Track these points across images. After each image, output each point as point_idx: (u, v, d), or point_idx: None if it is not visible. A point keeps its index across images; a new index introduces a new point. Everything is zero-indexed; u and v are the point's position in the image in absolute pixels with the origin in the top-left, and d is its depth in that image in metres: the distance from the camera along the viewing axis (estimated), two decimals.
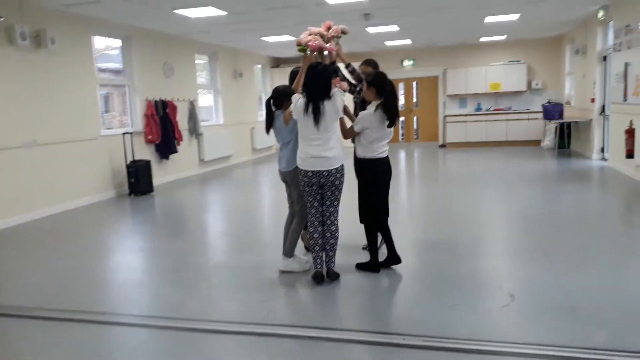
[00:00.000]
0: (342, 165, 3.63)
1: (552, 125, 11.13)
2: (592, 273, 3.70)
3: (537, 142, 12.53)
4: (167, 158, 9.28)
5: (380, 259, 3.91)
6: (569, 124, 11.07)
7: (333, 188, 3.62)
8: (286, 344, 2.83)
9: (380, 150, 3.77)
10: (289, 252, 3.93)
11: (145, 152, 8.71)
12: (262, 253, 4.55)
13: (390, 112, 3.64)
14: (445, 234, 4.95)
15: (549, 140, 11.44)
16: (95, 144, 7.59)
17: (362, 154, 3.79)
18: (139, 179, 7.98)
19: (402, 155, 12.19)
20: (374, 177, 3.80)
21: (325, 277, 3.68)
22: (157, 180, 8.63)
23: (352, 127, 3.78)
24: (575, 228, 4.97)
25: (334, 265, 3.68)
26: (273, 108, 3.92)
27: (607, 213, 5.63)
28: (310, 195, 3.64)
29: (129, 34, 8.42)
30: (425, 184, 8.65)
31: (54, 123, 6.82)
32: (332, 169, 3.55)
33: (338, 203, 3.69)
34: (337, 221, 3.69)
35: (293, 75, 4.67)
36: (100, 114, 8.14)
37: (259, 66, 13.73)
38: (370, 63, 4.62)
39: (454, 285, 3.55)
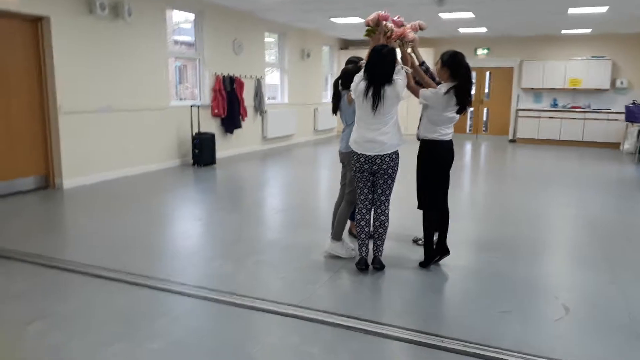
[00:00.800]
0: (396, 153, 3.51)
1: (635, 129, 10.34)
2: None
3: (616, 145, 11.71)
4: (232, 132, 9.51)
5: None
6: None
7: (385, 176, 3.51)
8: (321, 331, 2.83)
9: (443, 132, 3.61)
10: (336, 235, 3.93)
11: (211, 125, 8.96)
12: (313, 234, 4.57)
13: (461, 97, 3.48)
14: (505, 234, 4.76)
15: (629, 144, 10.65)
16: (164, 113, 7.89)
17: (423, 133, 3.66)
18: (202, 151, 8.24)
19: (468, 147, 11.80)
20: (433, 159, 3.65)
21: (370, 265, 3.63)
22: (220, 153, 8.87)
23: (419, 91, 3.60)
24: None
25: (380, 254, 3.62)
26: (340, 88, 3.89)
27: None
28: (360, 181, 3.57)
29: (202, 8, 8.60)
30: (490, 179, 8.33)
31: (127, 91, 7.13)
32: (384, 155, 3.45)
33: (390, 192, 3.58)
34: (388, 211, 3.59)
35: (348, 62, 4.61)
36: (171, 86, 8.43)
37: (327, 47, 13.66)
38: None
39: (506, 290, 3.41)
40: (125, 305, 3.09)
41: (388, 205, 3.60)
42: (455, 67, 3.49)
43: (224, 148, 9.31)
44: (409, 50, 3.70)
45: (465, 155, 10.56)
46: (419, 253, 3.96)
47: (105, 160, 6.87)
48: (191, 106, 8.37)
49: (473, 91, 13.72)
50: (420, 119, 3.73)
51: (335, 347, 2.66)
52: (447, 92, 3.47)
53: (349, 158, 3.78)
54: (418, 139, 3.75)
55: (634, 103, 10.95)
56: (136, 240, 4.39)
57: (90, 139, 6.64)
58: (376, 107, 3.38)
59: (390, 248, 3.95)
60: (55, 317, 2.91)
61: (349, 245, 3.97)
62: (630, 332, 2.84)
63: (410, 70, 3.62)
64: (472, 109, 14.02)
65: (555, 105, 12.63)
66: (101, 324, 2.85)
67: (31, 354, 2.55)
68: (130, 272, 3.59)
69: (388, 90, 3.38)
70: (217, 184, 7.32)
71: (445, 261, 3.86)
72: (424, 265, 3.75)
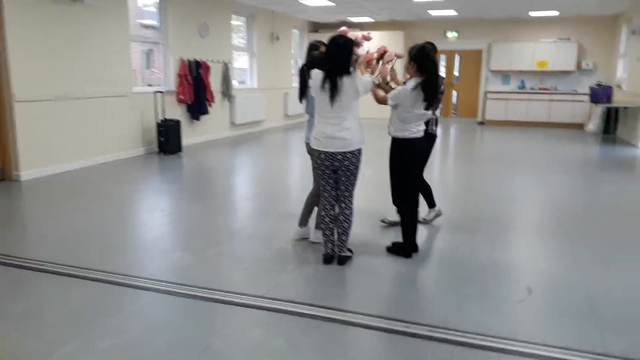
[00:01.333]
0: (358, 150, 3.39)
1: (599, 109, 10.54)
2: (620, 273, 3.47)
3: (581, 126, 11.95)
4: (198, 119, 9.30)
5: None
6: (617, 109, 10.45)
7: (348, 173, 3.40)
8: (287, 321, 2.78)
9: (414, 129, 3.55)
10: (302, 221, 3.95)
11: (176, 112, 8.73)
12: (280, 223, 4.49)
13: (428, 93, 3.41)
14: (471, 216, 4.77)
15: (593, 125, 10.87)
16: (127, 100, 7.64)
17: (394, 132, 3.60)
18: (168, 138, 8.04)
19: (438, 131, 11.85)
20: (405, 158, 3.60)
21: (335, 260, 3.54)
22: (186, 141, 8.68)
23: (386, 97, 3.54)
24: (610, 222, 4.69)
25: (345, 251, 3.52)
26: (307, 76, 3.73)
27: None
28: (322, 178, 3.46)
29: None
30: (458, 162, 8.38)
31: (87, 78, 6.86)
32: (346, 152, 3.32)
33: (353, 188, 3.49)
34: (352, 205, 3.51)
35: (311, 47, 4.55)
36: (137, 71, 8.16)
37: (297, 30, 13.46)
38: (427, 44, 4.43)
39: (471, 273, 3.41)
40: (81, 302, 2.98)
41: (352, 200, 3.50)
42: (421, 61, 3.42)
43: (191, 135, 9.11)
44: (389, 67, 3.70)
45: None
46: (386, 239, 3.94)
47: (65, 150, 6.62)
48: (155, 92, 8.14)
49: (442, 75, 13.79)
50: (390, 117, 3.66)
51: (299, 336, 2.61)
52: (414, 88, 3.41)
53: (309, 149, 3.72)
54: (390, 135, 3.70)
55: (598, 84, 11.14)
56: (95, 233, 4.24)
57: (49, 128, 6.37)
58: (334, 99, 3.26)
59: (357, 235, 3.92)
60: (8, 318, 2.78)
61: (316, 234, 3.91)
62: (588, 313, 2.87)
63: (377, 80, 3.57)
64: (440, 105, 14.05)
65: (523, 87, 12.77)
66: (55, 322, 2.74)
67: None
68: (87, 267, 3.46)
69: (346, 82, 3.27)
70: (183, 172, 7.16)
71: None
72: (392, 250, 3.74)
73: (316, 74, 3.37)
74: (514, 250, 4.02)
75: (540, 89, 12.54)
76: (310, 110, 3.81)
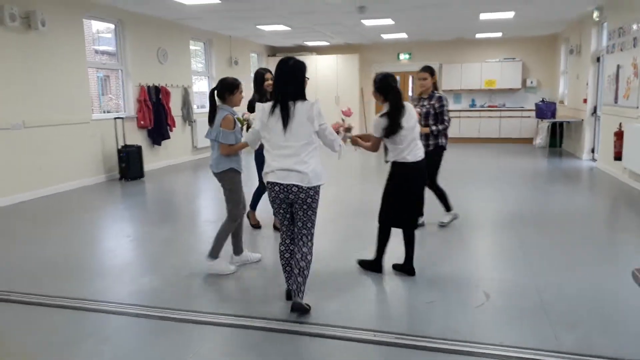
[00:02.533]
0: (318, 186, 3.05)
1: (545, 124, 11.16)
2: (569, 275, 3.74)
3: (529, 140, 12.57)
4: (160, 144, 9.28)
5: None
6: (561, 124, 11.10)
7: (305, 207, 3.03)
8: (255, 336, 2.86)
9: (407, 153, 3.59)
10: (213, 253, 3.79)
11: (137, 137, 8.70)
12: (245, 243, 4.57)
13: (391, 120, 3.51)
14: (430, 229, 4.99)
15: (541, 139, 11.47)
16: (86, 127, 7.57)
17: (392, 157, 3.67)
18: (129, 164, 7.99)
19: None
20: (402, 181, 3.65)
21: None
22: (148, 166, 8.63)
23: (373, 137, 3.63)
24: (559, 229, 5.01)
25: (302, 296, 3.04)
26: (217, 100, 3.72)
27: (591, 215, 5.68)
28: (278, 213, 3.14)
29: (122, 18, 8.36)
30: None
31: (44, 105, 6.79)
32: (303, 186, 2.97)
33: (312, 225, 3.11)
34: (311, 243, 3.12)
35: (257, 76, 4.79)
36: (92, 98, 8.11)
37: (255, 55, 13.66)
38: (427, 69, 4.84)
39: (431, 283, 3.59)
40: (50, 330, 2.97)
41: (311, 239, 3.12)
42: (384, 90, 3.58)
43: (153, 160, 9.07)
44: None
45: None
46: (356, 256, 4.08)
47: (24, 179, 6.49)
48: (115, 118, 8.10)
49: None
50: (384, 146, 3.75)
51: (267, 350, 2.70)
52: (382, 115, 3.55)
53: (221, 178, 3.78)
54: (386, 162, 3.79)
55: (542, 101, 11.80)
56: (60, 262, 4.20)
57: (8, 157, 6.25)
58: (286, 125, 2.94)
59: (326, 249, 4.04)
60: None
61: (226, 264, 3.87)
62: (541, 315, 3.09)
63: (348, 136, 3.59)
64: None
65: (473, 105, 13.37)
66: (22, 353, 2.72)
67: None
68: (55, 295, 3.44)
69: (299, 108, 2.96)
70: (146, 198, 7.13)
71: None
72: (363, 265, 3.85)
73: (262, 105, 3.09)
74: (470, 259, 4.24)
75: (489, 106, 13.16)
76: (211, 134, 3.72)
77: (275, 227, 4.92)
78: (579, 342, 2.74)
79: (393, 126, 3.51)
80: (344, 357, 2.69)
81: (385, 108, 3.60)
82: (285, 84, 3.01)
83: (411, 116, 3.61)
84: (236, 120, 3.72)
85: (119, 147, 8.01)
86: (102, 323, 3.05)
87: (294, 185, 2.97)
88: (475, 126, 13.07)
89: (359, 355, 2.69)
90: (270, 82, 4.81)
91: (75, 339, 2.84)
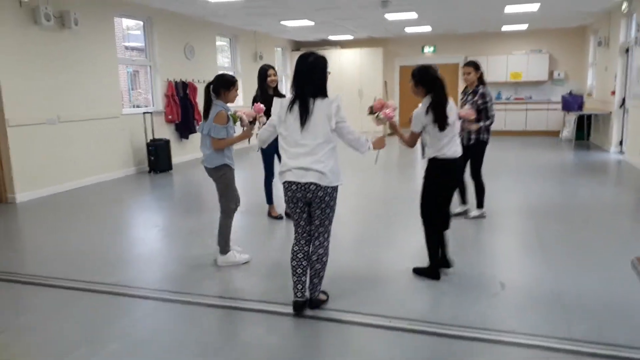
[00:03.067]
0: (337, 186, 2.98)
1: (571, 117, 11.01)
2: (587, 268, 3.77)
3: (556, 133, 12.40)
4: (187, 138, 9.53)
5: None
6: (588, 116, 10.92)
7: (323, 205, 2.95)
8: (283, 321, 3.01)
9: (447, 149, 3.43)
10: (223, 249, 3.91)
11: (165, 132, 8.97)
12: (271, 232, 4.75)
13: (437, 114, 3.34)
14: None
15: (567, 132, 11.32)
16: (117, 122, 7.86)
17: (430, 153, 3.49)
18: (158, 157, 8.26)
19: (417, 144, 12.21)
20: (440, 177, 3.49)
21: (307, 305, 3.08)
22: (176, 159, 8.90)
23: (411, 132, 3.49)
24: (581, 222, 5.02)
25: (318, 295, 3.07)
26: (212, 95, 3.74)
27: (615, 208, 5.64)
28: (295, 212, 3.04)
29: (150, 15, 8.61)
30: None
31: (77, 101, 7.08)
32: (322, 185, 2.88)
33: (330, 222, 3.04)
34: (327, 243, 3.05)
35: (260, 72, 4.93)
36: (122, 94, 8.40)
37: (279, 49, 13.82)
38: (472, 64, 4.92)
39: (448, 272, 3.67)
40: (84, 313, 3.18)
41: (328, 237, 3.05)
42: (428, 83, 3.39)
43: (180, 154, 9.33)
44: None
45: (416, 152, 10.94)
46: (372, 257, 4.19)
47: (59, 172, 6.81)
48: (144, 113, 8.37)
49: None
50: (423, 140, 3.64)
51: (290, 333, 2.85)
52: (426, 111, 3.37)
53: (212, 174, 3.82)
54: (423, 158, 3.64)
55: (570, 93, 11.62)
56: (93, 249, 4.44)
57: (42, 151, 6.57)
58: (304, 122, 2.84)
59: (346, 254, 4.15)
60: (15, 330, 2.97)
61: (238, 255, 3.96)
62: (555, 303, 3.15)
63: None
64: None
65: (499, 97, 13.23)
66: (60, 332, 2.92)
67: None
68: (89, 280, 3.67)
69: (318, 105, 2.86)
70: (174, 190, 7.37)
71: (387, 249, 4.09)
72: (420, 272, 3.64)
73: (280, 101, 3.01)
74: (489, 251, 4.30)
75: (515, 99, 13.01)
76: (203, 128, 3.75)
77: (270, 215, 5.30)
78: (591, 331, 2.79)
79: (442, 121, 3.34)
80: (360, 341, 2.81)
81: (426, 102, 3.41)
82: (305, 81, 2.89)
83: (453, 111, 3.48)
84: (229, 116, 3.72)
85: (148, 141, 8.28)
86: (132, 307, 3.25)
87: (312, 183, 2.87)
88: (500, 119, 12.89)
89: (374, 340, 2.81)
90: (273, 77, 4.98)
91: (108, 320, 3.04)
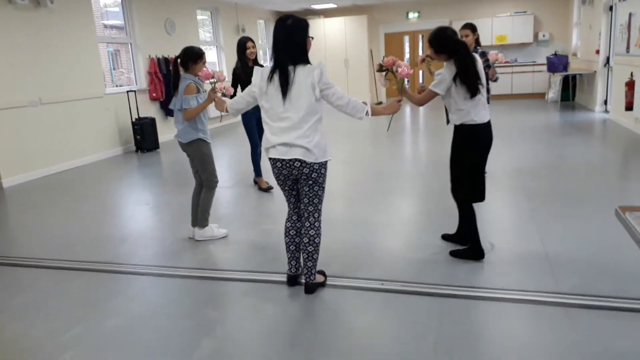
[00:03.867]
0: (325, 162, 2.79)
1: (557, 78, 11.03)
2: (574, 224, 3.85)
3: (542, 95, 12.43)
4: (172, 115, 9.41)
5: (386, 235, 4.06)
6: (573, 77, 10.95)
7: (310, 182, 2.79)
8: (273, 289, 3.05)
9: (474, 114, 3.14)
10: (202, 223, 3.91)
11: (150, 110, 8.86)
12: (260, 207, 4.76)
13: (465, 79, 3.03)
14: (439, 186, 5.11)
15: (553, 93, 11.36)
16: (100, 102, 7.74)
17: (457, 120, 3.19)
18: (144, 136, 8.18)
19: (407, 110, 12.19)
20: (471, 145, 3.22)
21: (303, 285, 2.99)
22: (162, 137, 8.82)
23: (429, 91, 3.15)
24: (567, 181, 5.09)
25: (313, 278, 2.94)
26: (180, 70, 3.72)
27: (600, 166, 5.73)
28: (284, 190, 2.93)
29: None
30: (428, 137, 8.74)
31: (58, 82, 6.95)
32: (307, 161, 2.71)
33: (319, 201, 2.88)
34: (319, 223, 2.90)
35: (239, 44, 4.94)
36: (104, 72, 8.25)
37: (262, 21, 13.59)
38: (469, 26, 4.94)
39: (438, 234, 3.73)
40: (80, 291, 3.20)
41: (319, 217, 2.91)
42: (446, 48, 3.08)
43: (167, 131, 9.24)
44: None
45: (405, 117, 10.95)
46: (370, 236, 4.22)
47: (45, 155, 6.73)
48: (127, 91, 8.25)
49: (407, 56, 14.09)
50: (446, 110, 3.48)
51: (285, 301, 2.89)
52: (454, 74, 3.06)
53: (189, 149, 3.79)
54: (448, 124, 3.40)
55: (555, 54, 11.61)
56: (85, 229, 4.44)
57: (26, 134, 6.47)
58: (286, 93, 2.66)
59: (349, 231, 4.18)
60: (12, 310, 2.99)
61: (216, 229, 3.98)
62: (543, 260, 3.23)
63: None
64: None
65: None
66: (58, 311, 2.95)
67: None
68: (83, 259, 3.68)
69: (301, 73, 2.66)
70: (162, 168, 7.33)
71: (375, 217, 4.14)
72: (459, 255, 3.35)
73: (260, 70, 2.80)
74: (478, 210, 4.35)
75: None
76: (176, 102, 3.74)
77: (261, 188, 5.33)
78: (579, 284, 2.87)
79: (474, 88, 3.05)
80: (353, 304, 2.86)
81: (450, 66, 3.08)
82: (284, 47, 2.68)
83: (482, 72, 3.17)
84: (198, 87, 3.67)
85: (133, 120, 8.18)
86: (128, 283, 3.28)
87: (296, 159, 2.71)
88: None
89: (367, 301, 2.87)
90: (252, 50, 5.01)
91: (104, 298, 3.06)
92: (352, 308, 2.80)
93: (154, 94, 8.96)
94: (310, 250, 2.89)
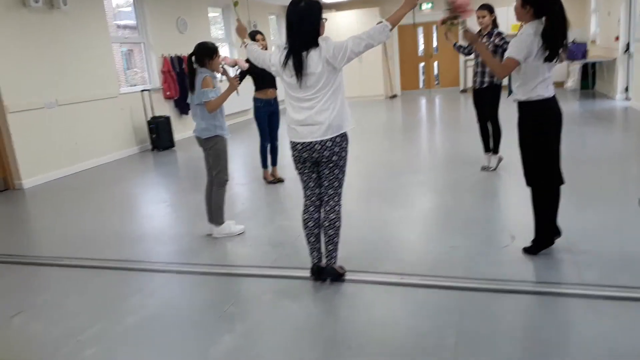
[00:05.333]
0: (341, 135, 2.78)
1: (576, 66, 10.80)
2: (596, 214, 3.77)
3: (560, 84, 12.18)
4: (187, 113, 9.46)
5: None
6: (593, 64, 10.71)
7: (331, 165, 2.80)
8: (293, 285, 3.04)
9: (542, 86, 2.86)
10: (217, 219, 3.89)
11: (165, 108, 8.91)
12: (276, 203, 4.75)
13: (550, 40, 2.72)
14: (458, 174, 5.05)
15: (572, 82, 11.14)
16: (115, 102, 7.80)
17: (521, 95, 2.93)
18: (160, 135, 8.23)
19: (422, 102, 12.09)
20: (541, 123, 2.96)
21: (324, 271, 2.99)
22: (178, 136, 8.86)
23: (508, 59, 2.83)
24: (588, 171, 4.98)
25: (334, 262, 2.94)
26: (195, 65, 3.74)
27: (622, 155, 5.59)
28: (303, 173, 2.92)
29: None
30: (445, 130, 8.64)
31: (73, 83, 7.02)
32: (325, 140, 2.73)
33: (340, 185, 2.88)
34: (339, 207, 2.90)
35: (250, 37, 4.90)
36: (118, 72, 8.31)
37: (274, 16, 13.56)
38: (486, 7, 4.87)
39: (459, 228, 3.68)
40: (99, 289, 3.22)
41: (339, 201, 2.91)
42: (539, 2, 2.77)
43: (182, 130, 9.29)
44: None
45: (421, 109, 10.85)
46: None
47: (63, 155, 6.81)
48: (142, 91, 8.30)
49: (421, 47, 13.95)
50: (510, 79, 3.34)
51: (302, 296, 2.87)
52: (535, 32, 2.76)
53: (205, 144, 3.81)
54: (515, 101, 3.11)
55: (572, 42, 11.37)
56: (103, 228, 4.47)
57: (44, 136, 6.55)
58: (300, 77, 2.69)
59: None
60: (35, 309, 3.02)
61: (232, 226, 3.97)
62: (565, 251, 3.15)
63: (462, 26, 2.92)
64: (422, 64, 14.31)
65: None
66: (78, 309, 2.97)
67: (18, 344, 2.66)
68: (102, 258, 3.70)
69: (314, 56, 2.67)
70: (178, 166, 7.37)
71: (392, 211, 4.10)
72: (532, 251, 3.14)
73: (275, 53, 2.85)
74: (499, 203, 4.29)
75: None
76: (196, 97, 3.73)
77: (272, 179, 5.43)
78: (602, 275, 2.80)
79: (555, 49, 2.75)
80: (372, 299, 2.83)
81: (533, 26, 2.79)
82: (298, 30, 2.67)
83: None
84: (215, 82, 3.69)
85: (148, 119, 8.23)
86: (147, 280, 3.29)
87: (316, 142, 2.74)
88: None
89: (386, 296, 2.84)
90: (262, 42, 5.02)
91: (123, 295, 3.08)
92: (371, 302, 2.77)
93: (168, 93, 9.00)
94: (330, 234, 2.88)
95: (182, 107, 9.31)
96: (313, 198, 2.95)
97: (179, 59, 9.21)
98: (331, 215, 2.87)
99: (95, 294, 3.15)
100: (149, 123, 8.20)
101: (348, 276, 3.02)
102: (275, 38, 13.51)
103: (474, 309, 2.56)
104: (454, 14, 2.97)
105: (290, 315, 2.69)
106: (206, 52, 3.71)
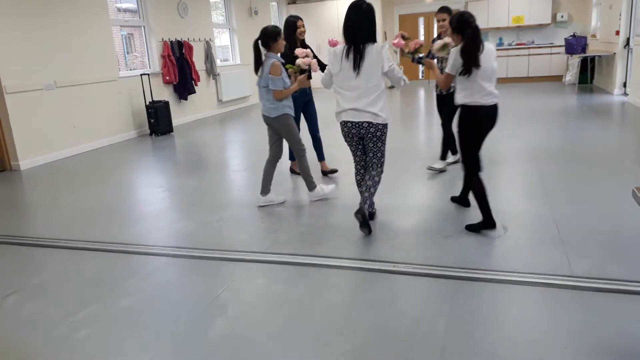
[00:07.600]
0: (385, 124, 3.40)
1: (575, 60, 10.79)
2: (589, 207, 3.80)
3: (559, 78, 12.20)
4: (186, 99, 9.45)
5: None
6: (592, 58, 10.71)
7: (375, 139, 3.42)
8: (284, 270, 3.07)
9: (478, 96, 3.33)
10: (310, 186, 4.27)
11: (164, 93, 8.89)
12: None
13: (466, 58, 3.24)
14: (455, 166, 5.07)
15: (570, 76, 11.14)
16: (114, 85, 7.78)
17: (459, 100, 3.41)
18: (158, 120, 8.22)
19: (421, 93, 12.07)
20: (471, 124, 3.43)
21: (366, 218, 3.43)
22: (176, 121, 8.86)
23: (446, 73, 3.42)
24: (582, 164, 5.01)
25: (367, 207, 3.45)
26: (261, 49, 4.01)
27: (617, 150, 5.62)
28: (351, 145, 3.56)
29: None
30: (432, 121, 8.63)
31: (72, 65, 7.00)
32: (374, 122, 3.33)
33: (382, 155, 3.49)
34: (381, 169, 3.50)
35: (289, 24, 4.80)
36: (118, 56, 8.27)
37: (275, 3, 13.47)
38: (445, 10, 4.83)
39: (451, 218, 3.71)
40: (95, 271, 3.25)
41: (381, 166, 3.51)
42: (461, 28, 3.29)
43: (180, 115, 9.28)
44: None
45: (420, 101, 10.84)
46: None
47: (60, 137, 6.81)
48: (141, 75, 8.27)
49: (422, 38, 13.89)
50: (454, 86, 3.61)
51: (296, 281, 2.91)
52: (459, 51, 3.28)
53: (276, 123, 4.09)
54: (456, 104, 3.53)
55: (573, 35, 11.35)
56: (100, 211, 4.49)
57: (42, 117, 6.54)
58: (359, 66, 3.25)
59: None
60: (29, 289, 3.04)
61: (327, 187, 4.35)
62: (556, 243, 3.19)
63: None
64: (422, 55, 14.21)
65: (500, 44, 12.96)
66: (73, 290, 3.00)
67: (11, 324, 2.69)
68: (98, 240, 3.73)
69: (371, 51, 3.24)
70: (176, 151, 7.37)
71: (388, 199, 4.12)
72: (473, 229, 3.48)
73: (334, 50, 3.39)
74: (492, 193, 4.30)
75: (517, 44, 12.74)
76: (260, 81, 4.06)
77: (293, 171, 5.33)
78: (593, 267, 2.84)
79: (468, 65, 3.25)
80: (364, 286, 2.87)
81: (460, 45, 3.32)
82: (359, 28, 3.24)
83: (491, 56, 3.37)
84: (285, 68, 3.97)
85: (147, 104, 8.22)
86: (143, 263, 3.32)
87: (365, 121, 3.33)
88: (502, 66, 12.70)
89: (379, 283, 2.87)
90: (302, 29, 4.79)
91: (118, 278, 3.11)
92: (364, 290, 2.80)
93: (168, 78, 8.97)
94: (369, 184, 3.46)
95: (181, 92, 9.29)
96: (361, 163, 3.61)
97: (179, 43, 9.17)
98: (373, 172, 3.48)
99: (90, 276, 3.18)
100: (148, 107, 8.19)
101: (341, 263, 3.05)
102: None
103: (466, 298, 2.59)
104: (414, 49, 3.80)
105: (284, 300, 2.72)
106: (270, 35, 3.96)
